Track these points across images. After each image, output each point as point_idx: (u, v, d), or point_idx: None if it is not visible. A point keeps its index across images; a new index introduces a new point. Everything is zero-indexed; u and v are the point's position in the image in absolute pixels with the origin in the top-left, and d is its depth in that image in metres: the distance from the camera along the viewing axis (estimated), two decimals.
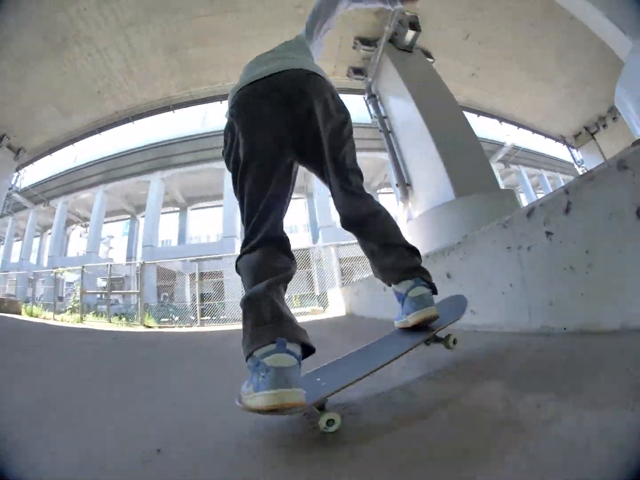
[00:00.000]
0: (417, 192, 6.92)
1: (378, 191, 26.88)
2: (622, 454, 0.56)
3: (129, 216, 27.61)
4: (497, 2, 8.33)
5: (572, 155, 19.99)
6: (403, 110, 6.99)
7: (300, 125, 1.26)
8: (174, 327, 8.61)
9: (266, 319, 0.98)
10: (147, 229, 21.30)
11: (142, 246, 21.06)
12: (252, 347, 0.94)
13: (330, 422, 0.90)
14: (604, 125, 17.99)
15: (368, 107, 8.53)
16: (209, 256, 13.43)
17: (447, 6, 7.87)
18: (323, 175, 1.39)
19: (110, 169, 21.53)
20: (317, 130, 1.27)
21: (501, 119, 14.73)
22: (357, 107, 8.82)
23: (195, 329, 7.25)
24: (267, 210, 1.20)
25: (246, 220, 1.24)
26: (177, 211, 26.97)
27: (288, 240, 1.27)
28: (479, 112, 13.03)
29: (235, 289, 12.11)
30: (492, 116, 14.13)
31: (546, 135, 18.24)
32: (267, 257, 1.15)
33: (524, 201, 30.32)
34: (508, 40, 9.42)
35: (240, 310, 1.07)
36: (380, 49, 7.63)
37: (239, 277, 1.22)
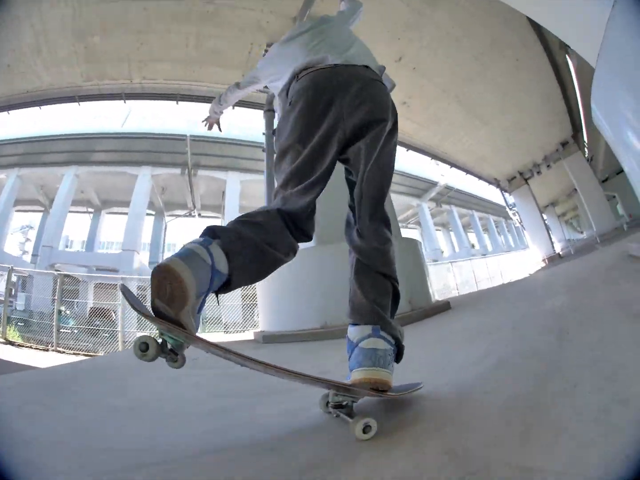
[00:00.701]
0: None
1: None
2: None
3: (42, 209, 24.18)
4: (437, 26, 7.37)
5: (504, 198, 20.05)
6: None
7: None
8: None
9: None
10: (50, 227, 18.78)
11: (41, 245, 18.63)
12: None
13: (367, 428, 0.86)
14: (538, 172, 18.11)
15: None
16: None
17: (381, 19, 6.83)
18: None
19: (28, 152, 18.79)
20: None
21: (433, 156, 13.94)
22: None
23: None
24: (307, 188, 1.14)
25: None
26: (90, 212, 24.28)
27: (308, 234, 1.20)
28: (409, 147, 12.16)
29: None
30: (423, 152, 13.15)
31: (480, 177, 18.08)
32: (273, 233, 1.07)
33: (454, 240, 31.05)
34: (446, 70, 8.70)
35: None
36: None
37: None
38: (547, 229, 20.08)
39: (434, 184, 23.32)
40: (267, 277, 1.07)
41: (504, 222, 36.46)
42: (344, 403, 0.98)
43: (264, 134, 6.79)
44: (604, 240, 14.35)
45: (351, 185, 1.25)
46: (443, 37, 7.61)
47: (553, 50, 9.90)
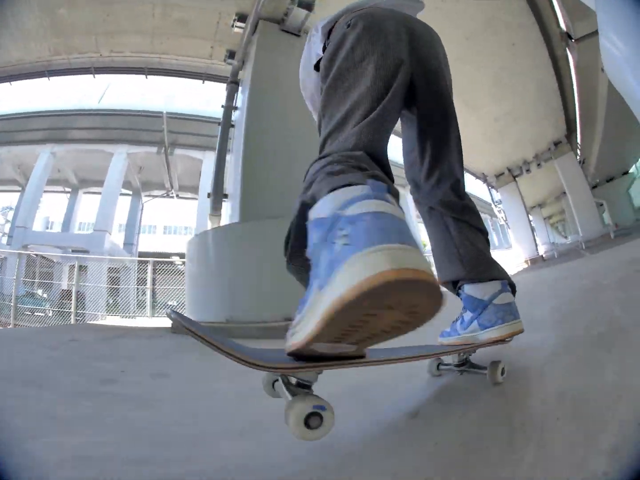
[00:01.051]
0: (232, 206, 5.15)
1: None
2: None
3: (20, 189, 23.35)
4: None
5: (490, 194, 19.68)
6: (258, 103, 5.00)
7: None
8: None
9: None
10: (24, 207, 18.34)
11: (15, 226, 18.34)
12: None
13: (503, 371, 0.95)
14: (528, 170, 17.75)
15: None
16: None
17: None
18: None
19: (4, 130, 18.03)
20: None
21: None
22: None
23: None
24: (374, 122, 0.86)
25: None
26: (67, 192, 23.56)
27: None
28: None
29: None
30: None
31: (467, 170, 17.62)
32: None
33: None
34: None
35: None
36: (255, 27, 6.00)
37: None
38: (532, 230, 19.78)
39: None
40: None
41: (489, 219, 36.27)
42: (467, 359, 1.06)
43: (223, 106, 6.45)
44: (590, 247, 14.40)
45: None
46: (431, 10, 6.98)
47: (553, 40, 9.45)
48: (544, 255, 19.68)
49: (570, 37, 9.43)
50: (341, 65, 0.97)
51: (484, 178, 18.84)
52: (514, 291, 1.09)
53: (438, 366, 1.10)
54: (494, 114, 11.70)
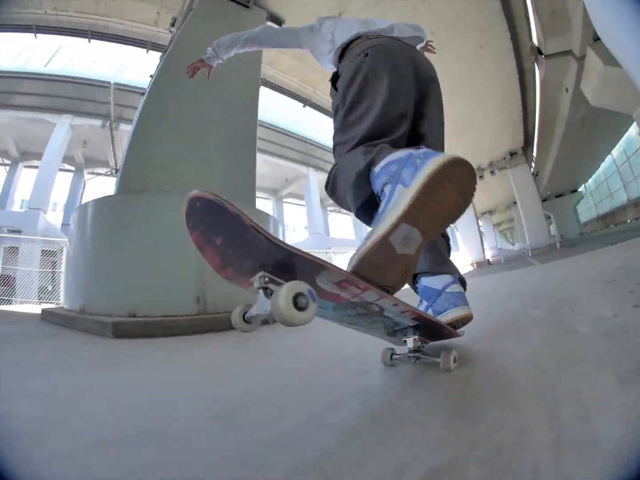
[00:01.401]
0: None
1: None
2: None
3: None
4: None
5: None
6: (170, 71, 4.35)
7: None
8: None
9: None
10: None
11: None
12: None
13: (454, 359, 1.00)
14: (481, 177, 18.05)
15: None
16: None
17: None
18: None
19: None
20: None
21: None
22: None
23: None
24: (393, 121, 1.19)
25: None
26: (6, 165, 20.99)
27: None
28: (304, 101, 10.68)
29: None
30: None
31: None
32: None
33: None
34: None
35: None
36: None
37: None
38: (481, 234, 20.24)
39: None
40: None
41: None
42: (421, 347, 1.12)
43: (151, 76, 5.53)
44: (536, 255, 15.09)
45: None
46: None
47: (522, 52, 9.46)
48: (490, 260, 20.26)
49: (540, 52, 9.43)
50: (357, 91, 1.23)
51: None
52: (464, 286, 1.25)
53: (391, 356, 1.16)
54: (450, 116, 11.62)
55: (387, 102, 1.17)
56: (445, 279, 1.22)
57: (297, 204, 24.49)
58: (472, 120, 12.37)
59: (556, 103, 14.55)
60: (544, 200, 22.98)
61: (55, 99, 16.20)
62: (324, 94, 9.56)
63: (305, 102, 10.35)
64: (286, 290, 0.60)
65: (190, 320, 2.40)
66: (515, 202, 20.15)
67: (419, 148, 0.87)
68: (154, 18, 6.93)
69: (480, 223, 28.39)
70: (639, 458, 0.50)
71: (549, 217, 27.90)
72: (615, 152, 24.25)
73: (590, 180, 30.89)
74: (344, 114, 1.25)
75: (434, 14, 7.33)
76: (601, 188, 28.17)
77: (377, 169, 0.92)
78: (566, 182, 28.39)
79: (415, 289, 1.32)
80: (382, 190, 0.89)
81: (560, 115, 15.59)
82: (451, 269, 1.26)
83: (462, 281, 1.25)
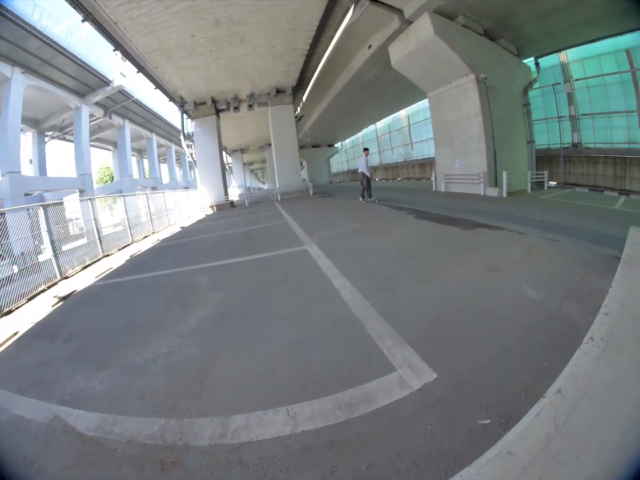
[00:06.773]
0: None
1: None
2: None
3: None
4: None
5: (182, 123, 16.04)
6: None
7: None
8: None
9: None
10: (3, 147, 14.00)
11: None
12: None
13: None
14: (236, 108, 15.25)
15: None
16: None
17: None
18: None
19: None
20: None
21: (111, 38, 9.61)
22: None
23: None
24: None
25: None
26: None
27: None
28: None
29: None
30: (101, 29, 9.23)
31: (162, 88, 14.21)
32: None
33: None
34: None
35: None
36: None
37: None
38: (224, 171, 17.26)
39: (106, 82, 17.46)
40: None
41: (174, 151, 33.37)
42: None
43: None
44: (287, 199, 15.76)
45: None
46: None
47: None
48: (234, 201, 17.93)
49: None
50: None
51: (181, 102, 15.04)
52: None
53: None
54: (216, 13, 8.62)
55: None
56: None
57: None
58: (247, 31, 9.51)
59: (352, 55, 12.73)
60: (301, 147, 22.08)
61: None
62: None
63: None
64: None
65: None
66: (269, 144, 18.35)
67: None
68: None
69: (230, 160, 26.22)
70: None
71: (302, 163, 27.90)
72: (379, 124, 27.80)
73: (347, 140, 33.94)
74: None
75: None
76: (357, 149, 32.29)
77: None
78: (326, 136, 29.13)
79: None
80: None
81: (349, 68, 13.95)
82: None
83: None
